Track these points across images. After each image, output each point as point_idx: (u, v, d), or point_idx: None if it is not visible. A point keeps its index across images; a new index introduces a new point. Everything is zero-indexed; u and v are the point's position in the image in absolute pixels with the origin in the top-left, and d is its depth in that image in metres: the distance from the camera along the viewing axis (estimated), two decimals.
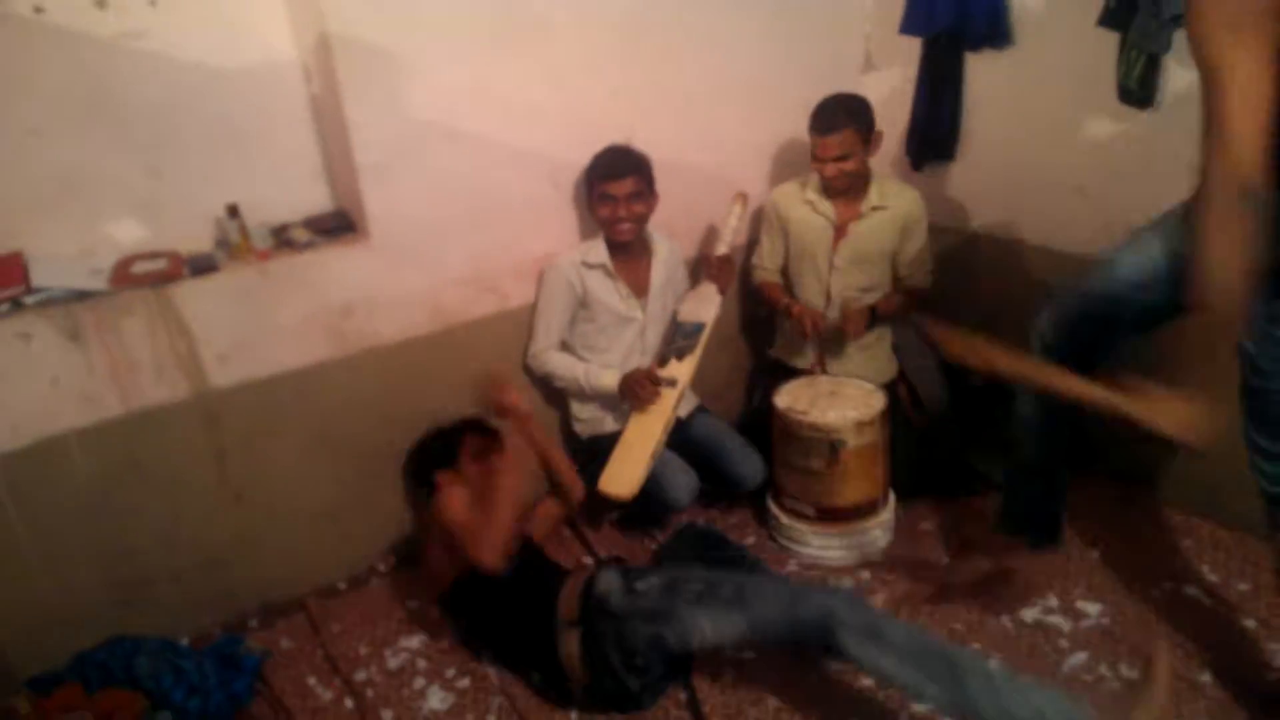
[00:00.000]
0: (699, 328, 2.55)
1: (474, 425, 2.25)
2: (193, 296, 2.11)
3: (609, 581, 2.00)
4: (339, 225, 2.32)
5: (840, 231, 2.61)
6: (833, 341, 2.66)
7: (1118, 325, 1.84)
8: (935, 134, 2.88)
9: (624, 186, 2.41)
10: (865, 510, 2.46)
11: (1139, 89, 2.25)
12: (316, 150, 2.35)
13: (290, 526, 2.42)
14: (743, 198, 2.71)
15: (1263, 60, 1.26)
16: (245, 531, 2.35)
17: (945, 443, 2.75)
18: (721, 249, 2.66)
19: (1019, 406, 2.06)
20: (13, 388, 1.97)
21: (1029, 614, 2.21)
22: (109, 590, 2.21)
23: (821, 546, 2.47)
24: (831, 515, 2.44)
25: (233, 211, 2.18)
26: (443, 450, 2.21)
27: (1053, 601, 2.25)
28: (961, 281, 2.98)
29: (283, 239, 2.26)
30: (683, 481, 2.48)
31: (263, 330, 2.22)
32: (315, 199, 2.38)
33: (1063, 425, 2.03)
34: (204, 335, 2.15)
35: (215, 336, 2.17)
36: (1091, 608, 2.21)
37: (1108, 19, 2.26)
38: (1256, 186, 1.29)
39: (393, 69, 2.18)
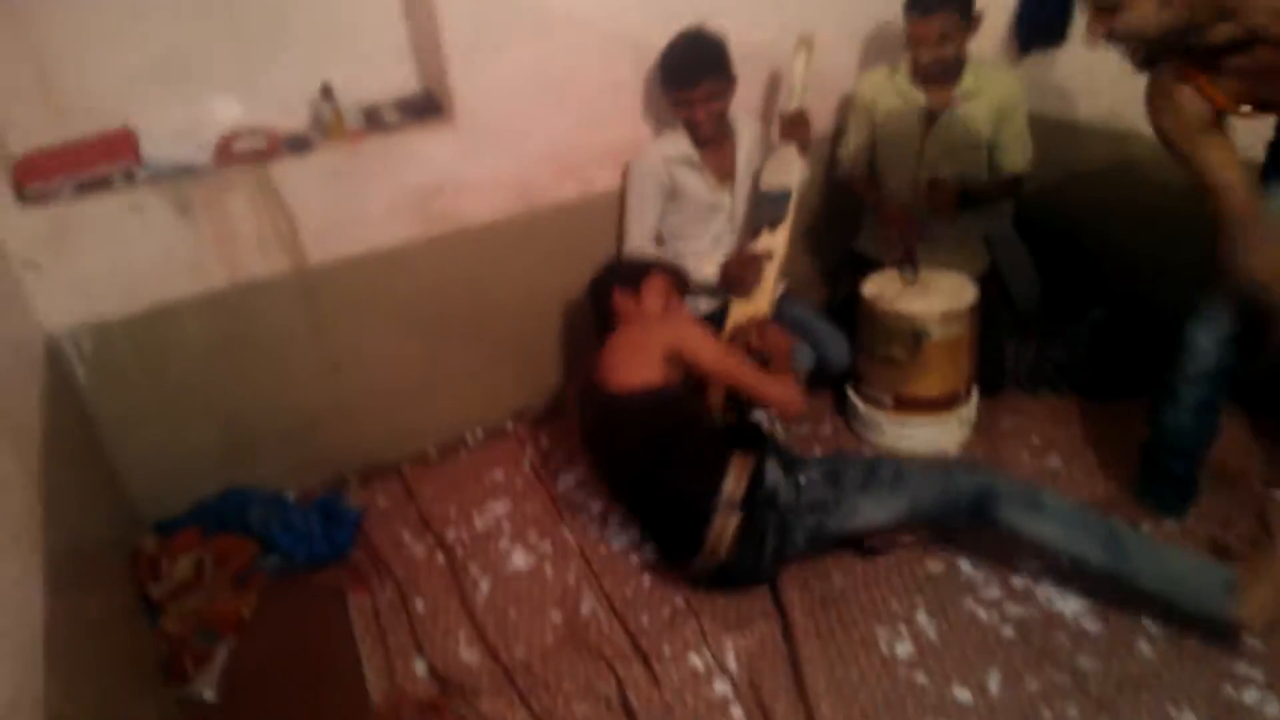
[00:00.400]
0: (786, 194, 2.48)
1: (666, 268, 2.33)
2: (291, 175, 2.21)
3: (775, 474, 1.96)
4: (427, 106, 2.37)
5: (931, 119, 2.51)
6: (921, 227, 2.56)
7: None
8: (1046, 15, 2.70)
9: (699, 91, 2.35)
10: (945, 403, 2.44)
11: None
12: (405, 31, 2.38)
13: (384, 397, 2.56)
14: (807, 42, 2.53)
15: (1225, 145, 1.69)
16: (342, 400, 2.50)
17: (1033, 340, 2.67)
18: (793, 103, 2.54)
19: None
20: (128, 256, 2.12)
21: None
22: (223, 447, 2.40)
23: (897, 436, 2.47)
24: (910, 405, 2.43)
25: (326, 92, 2.25)
26: (630, 275, 2.30)
27: None
28: (1067, 176, 2.84)
29: (373, 119, 2.32)
30: (801, 351, 2.46)
31: (355, 209, 2.31)
32: (403, 80, 2.43)
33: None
34: (301, 213, 2.25)
35: (312, 214, 2.27)
36: None
37: None
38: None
39: None
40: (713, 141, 2.50)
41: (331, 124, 2.26)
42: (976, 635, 1.90)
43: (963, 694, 1.77)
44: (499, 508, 2.44)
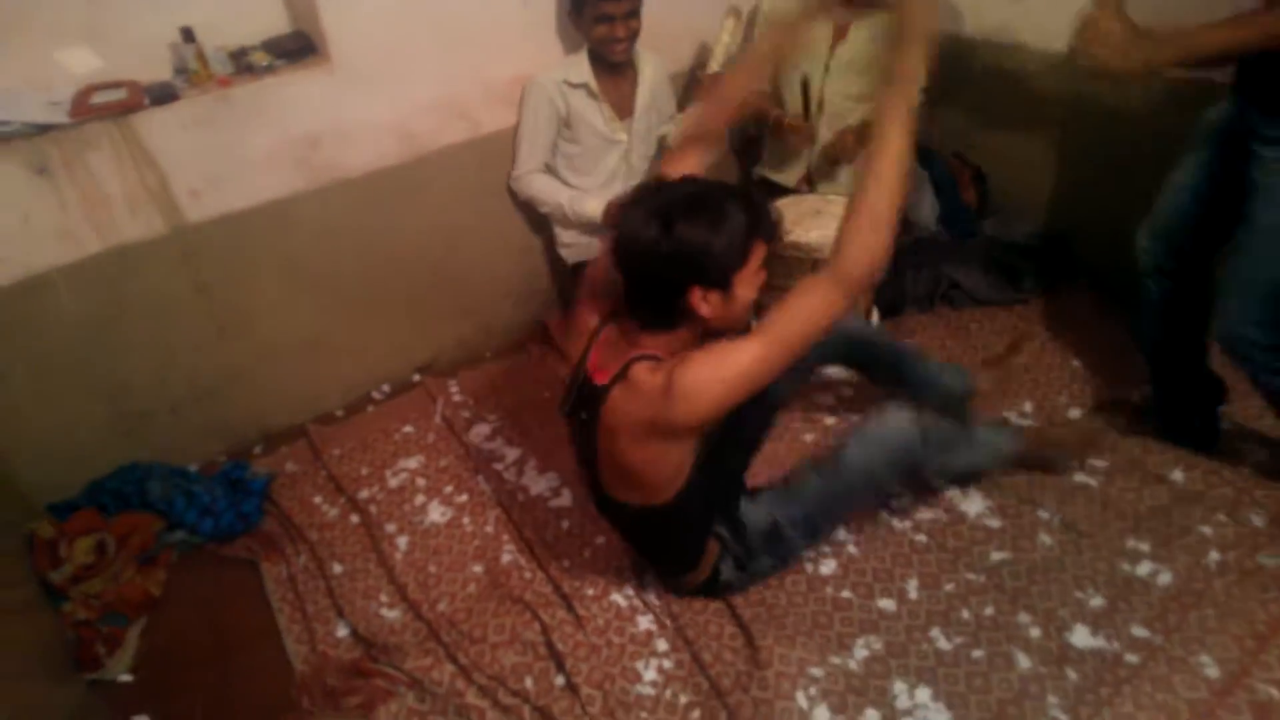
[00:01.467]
0: None
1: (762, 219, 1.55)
2: (157, 127, 2.06)
3: (729, 573, 1.84)
4: (300, 47, 2.23)
5: (840, 33, 2.49)
6: (822, 161, 2.59)
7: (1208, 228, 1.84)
8: None
9: (623, 5, 2.29)
10: None
11: None
12: None
13: (280, 358, 2.47)
14: (736, 13, 2.54)
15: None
16: (235, 363, 2.40)
17: (931, 260, 2.74)
18: (713, 67, 2.53)
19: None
20: None
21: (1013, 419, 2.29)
22: (112, 422, 2.29)
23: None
24: None
25: (187, 35, 2.09)
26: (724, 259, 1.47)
27: (1026, 407, 2.32)
28: (950, 91, 2.88)
29: (242, 64, 2.18)
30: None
31: (231, 162, 2.18)
32: (272, 19, 2.27)
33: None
34: (173, 168, 2.11)
35: (184, 169, 2.13)
36: (1073, 413, 2.28)
37: None
38: None
39: None
40: (616, 70, 2.44)
41: (197, 70, 2.11)
42: (894, 545, 1.98)
43: (886, 603, 1.85)
44: (411, 463, 2.41)
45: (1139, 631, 1.72)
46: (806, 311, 1.41)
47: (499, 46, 2.43)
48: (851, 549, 1.98)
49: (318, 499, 2.33)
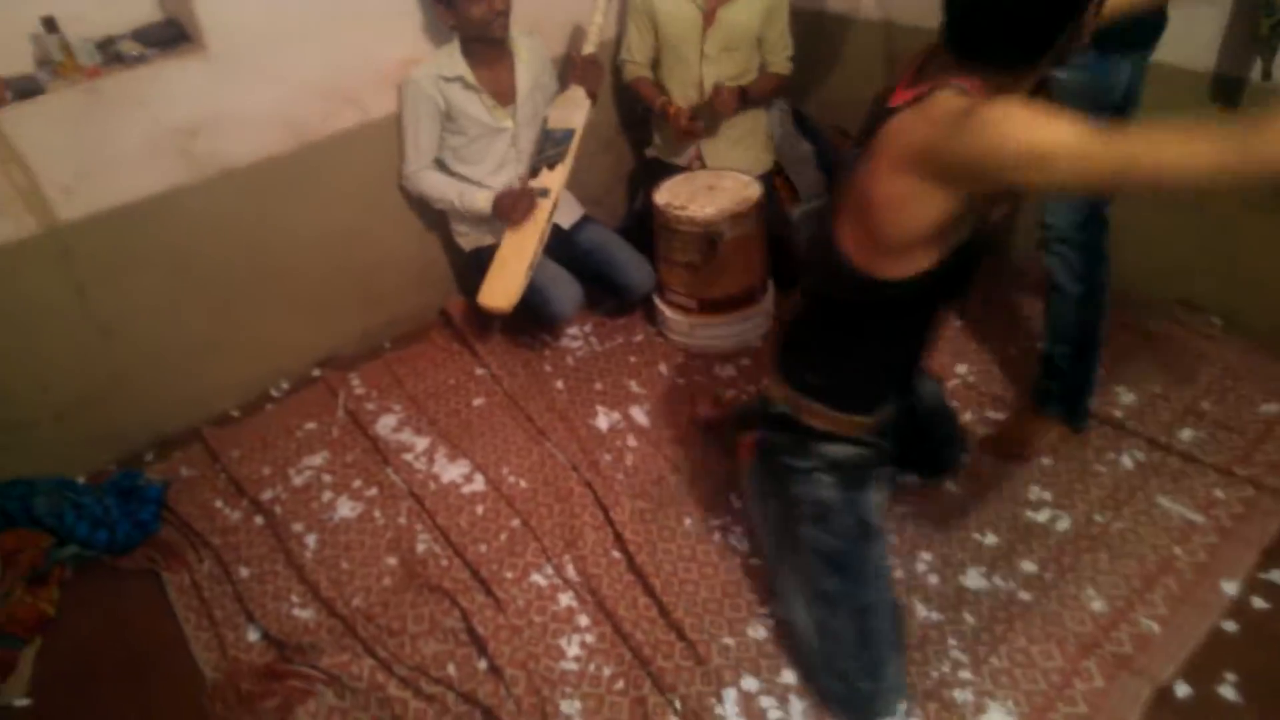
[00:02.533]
0: (569, 134, 2.49)
1: None
2: (21, 122, 1.95)
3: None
4: (173, 36, 2.14)
5: (709, 19, 2.54)
6: (709, 130, 2.64)
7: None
8: None
9: None
10: (745, 299, 2.55)
11: None
12: None
13: (169, 359, 2.38)
14: None
15: None
16: (120, 367, 2.30)
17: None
18: (588, 48, 2.57)
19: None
20: None
21: None
22: None
23: (706, 337, 2.57)
24: (713, 306, 2.52)
25: (50, 25, 1.98)
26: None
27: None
28: (829, 67, 2.99)
29: (111, 54, 2.07)
30: (566, 293, 2.50)
31: (105, 156, 2.08)
32: (141, 7, 2.17)
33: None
34: (41, 165, 2.01)
35: (54, 166, 2.03)
36: (959, 368, 2.40)
37: None
38: None
39: None
40: (489, 58, 2.41)
41: (62, 61, 2.00)
42: None
43: None
44: (316, 460, 2.36)
45: (1030, 568, 1.84)
46: (1181, 145, 1.02)
47: (386, 28, 2.38)
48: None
49: (218, 503, 2.26)
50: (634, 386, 2.49)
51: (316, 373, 2.66)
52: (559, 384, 2.53)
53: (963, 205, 1.21)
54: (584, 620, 1.87)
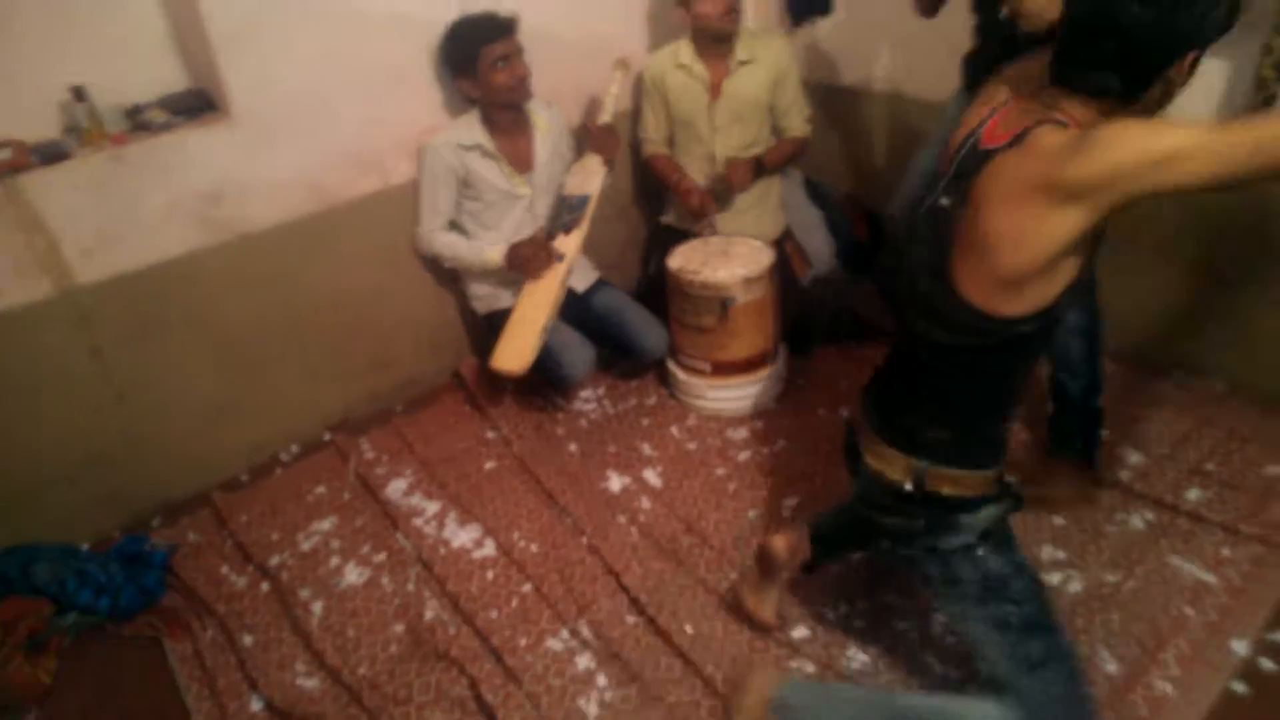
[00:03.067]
0: (584, 200, 2.53)
1: None
2: (45, 187, 1.98)
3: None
4: (199, 104, 2.19)
5: (715, 91, 2.60)
6: (722, 198, 2.68)
7: None
8: None
9: (513, 43, 2.33)
10: (757, 362, 2.54)
11: None
12: (164, 23, 2.18)
13: (181, 422, 2.37)
14: (623, 64, 2.67)
15: None
16: (133, 430, 2.29)
17: (831, 296, 2.85)
18: (604, 118, 2.63)
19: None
20: None
21: None
22: None
23: (717, 399, 2.56)
24: (726, 369, 2.52)
25: (79, 94, 2.03)
26: None
27: None
28: (841, 137, 3.04)
29: (138, 121, 2.12)
30: (579, 356, 2.50)
31: (126, 221, 2.11)
32: (169, 76, 2.23)
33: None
34: (62, 229, 2.03)
35: (75, 230, 2.05)
36: None
37: None
38: None
39: None
40: (509, 126, 2.47)
41: (88, 129, 2.05)
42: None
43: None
44: (324, 525, 2.33)
45: None
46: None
47: (407, 96, 2.44)
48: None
49: (224, 569, 2.22)
50: (647, 449, 2.47)
51: (327, 436, 2.65)
52: (572, 446, 2.51)
53: (1094, 219, 1.19)
54: (602, 680, 1.81)
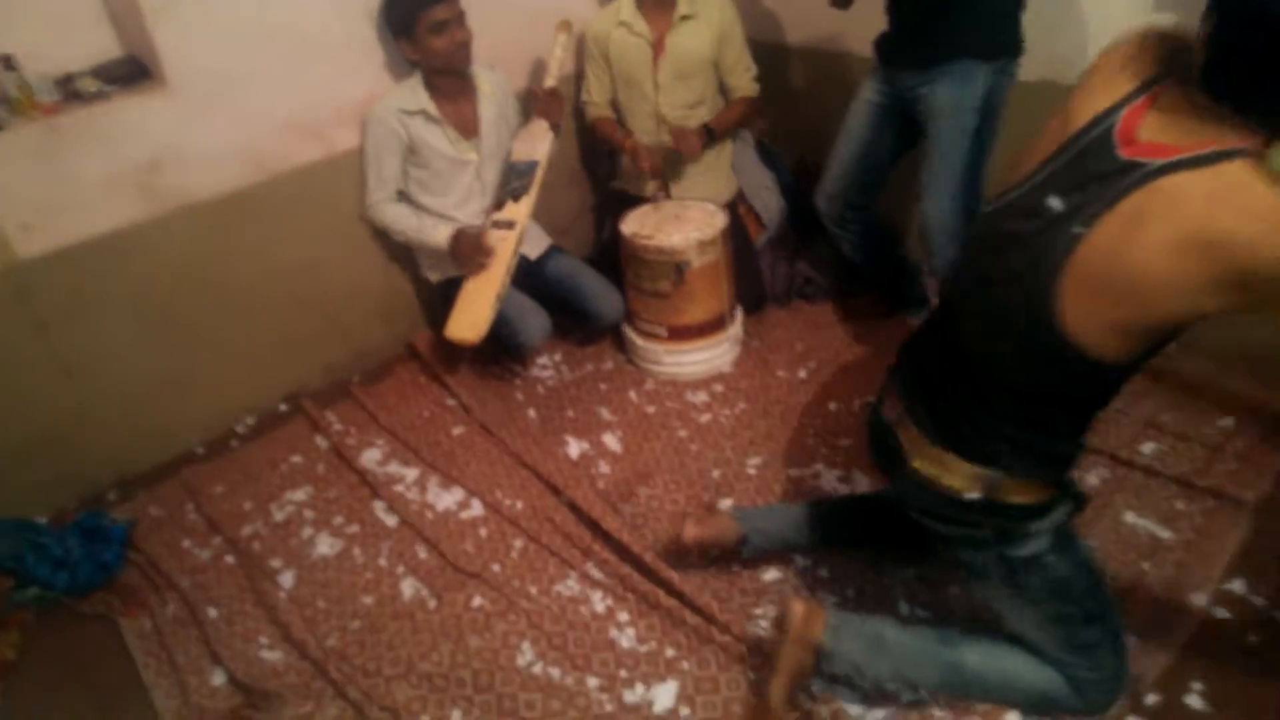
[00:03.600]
0: (532, 166, 2.51)
1: None
2: None
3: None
4: (132, 72, 2.13)
5: (658, 48, 2.59)
6: (673, 165, 2.68)
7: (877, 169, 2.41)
8: None
9: (453, 8, 2.29)
10: (714, 326, 2.57)
11: None
12: None
13: (130, 396, 2.34)
14: (566, 25, 2.63)
15: None
16: (82, 406, 2.26)
17: (784, 256, 2.87)
18: (549, 81, 2.60)
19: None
20: None
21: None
22: None
23: (674, 364, 2.59)
24: (682, 333, 2.54)
25: (7, 63, 1.97)
26: None
27: None
28: (790, 99, 3.03)
29: (70, 91, 2.06)
30: (533, 322, 2.51)
31: (65, 193, 2.06)
32: (101, 44, 2.16)
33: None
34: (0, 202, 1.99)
35: (13, 203, 2.01)
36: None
37: None
38: None
39: None
40: (451, 91, 2.43)
41: (19, 99, 1.99)
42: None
43: None
44: (299, 495, 2.33)
45: None
46: None
47: (347, 64, 2.39)
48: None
49: (186, 542, 2.22)
50: (605, 414, 2.49)
51: (283, 407, 2.63)
52: (531, 413, 2.53)
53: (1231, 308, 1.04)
54: (624, 615, 1.88)
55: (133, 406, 2.35)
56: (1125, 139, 1.08)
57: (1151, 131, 1.08)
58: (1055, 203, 1.12)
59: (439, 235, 2.45)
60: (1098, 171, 1.09)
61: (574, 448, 2.38)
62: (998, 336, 1.22)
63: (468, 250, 2.42)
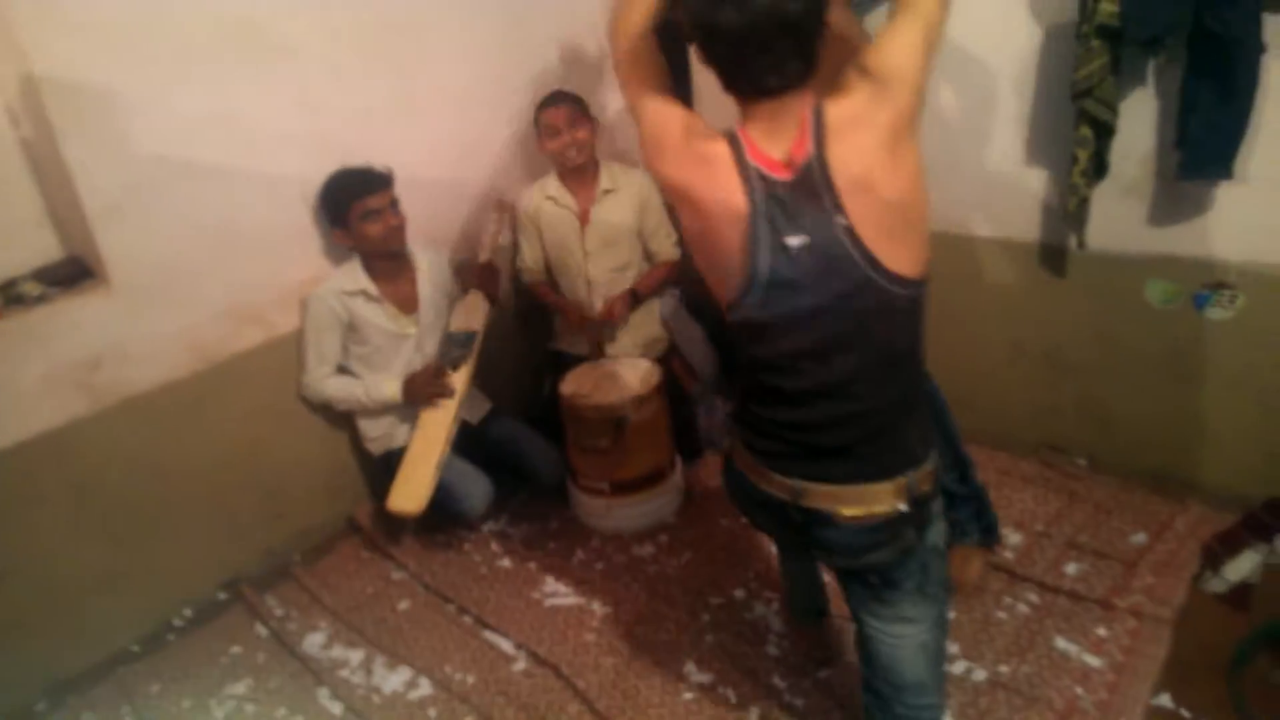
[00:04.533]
0: (471, 336, 2.61)
1: None
2: None
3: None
4: (75, 273, 2.18)
5: (584, 218, 2.78)
6: (604, 327, 2.81)
7: None
8: None
9: (385, 196, 2.43)
10: (656, 478, 2.64)
11: None
12: (37, 196, 2.18)
13: (63, 597, 2.25)
14: (502, 206, 2.81)
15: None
16: (12, 613, 2.16)
17: (716, 403, 3.00)
18: (484, 255, 2.75)
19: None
20: None
21: None
22: None
23: (620, 518, 2.63)
24: (625, 487, 2.60)
25: None
26: None
27: None
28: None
29: (11, 295, 2.09)
30: (476, 490, 2.53)
31: (3, 396, 2.05)
32: (43, 247, 2.21)
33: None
34: None
35: None
36: None
37: None
38: None
39: (114, 105, 2.06)
40: (389, 270, 2.54)
41: None
42: None
43: None
44: (239, 689, 2.23)
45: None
46: None
47: (288, 251, 2.48)
48: None
49: None
50: (551, 583, 2.49)
51: (222, 596, 2.56)
52: (484, 570, 2.54)
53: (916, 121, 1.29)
54: None
55: (64, 607, 2.26)
56: (775, 166, 1.30)
57: (777, 148, 1.31)
58: (795, 240, 1.29)
59: (390, 389, 2.50)
60: (802, 188, 1.28)
61: (553, 600, 2.39)
62: (867, 330, 1.33)
63: (422, 386, 2.48)
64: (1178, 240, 2.24)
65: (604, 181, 2.78)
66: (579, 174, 2.75)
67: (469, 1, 2.72)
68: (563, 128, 2.65)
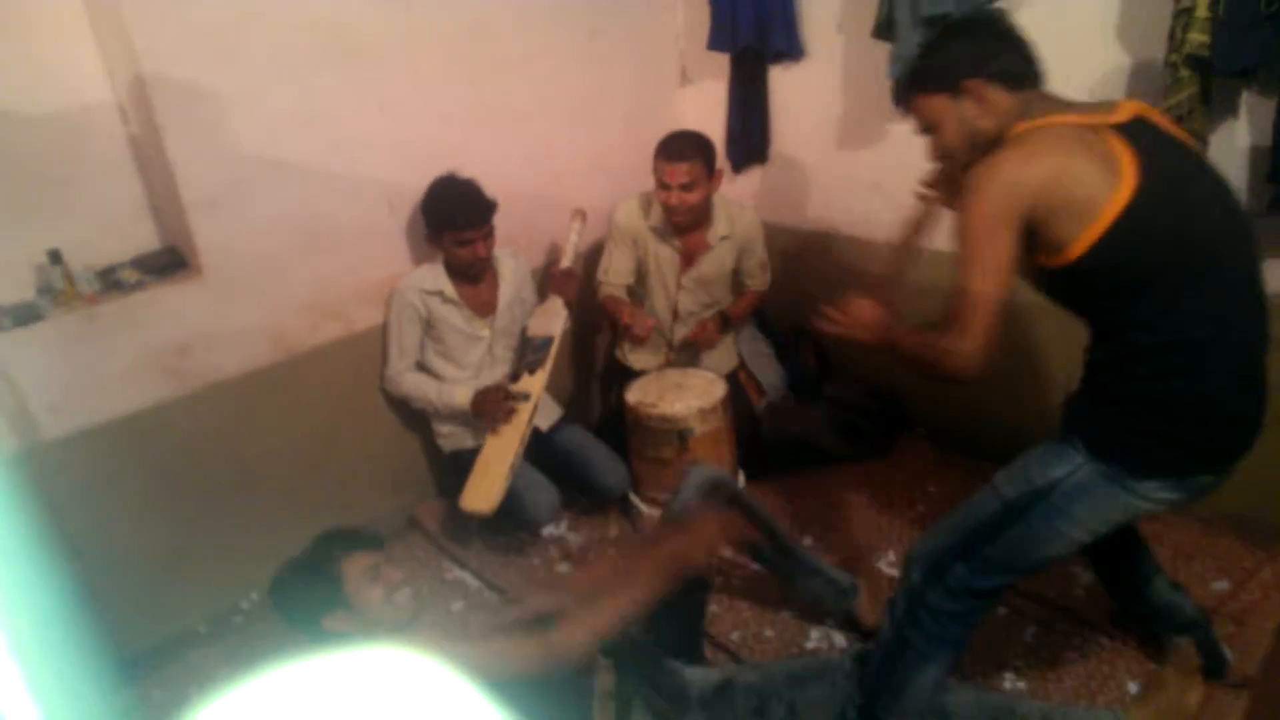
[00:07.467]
0: (548, 341, 2.64)
1: None
2: (16, 348, 2.02)
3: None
4: (170, 262, 2.27)
5: (687, 260, 2.78)
6: (687, 350, 2.83)
7: None
8: (749, 140, 3.10)
9: (480, 231, 2.46)
10: None
11: None
12: (140, 189, 2.29)
13: (135, 576, 2.32)
14: (581, 214, 2.84)
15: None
16: (88, 589, 2.22)
17: (783, 422, 2.97)
18: (564, 263, 2.78)
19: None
20: None
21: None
22: None
23: None
24: None
25: (54, 257, 2.10)
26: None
27: (891, 556, 2.50)
28: (784, 272, 3.23)
29: (111, 281, 2.19)
30: (543, 499, 2.56)
31: (96, 376, 2.15)
32: (143, 237, 2.31)
33: None
34: (33, 387, 2.06)
35: (46, 387, 2.08)
36: None
37: (879, 31, 2.51)
38: None
39: (214, 104, 2.16)
40: (474, 276, 2.58)
41: (62, 290, 2.11)
42: None
43: None
44: None
45: None
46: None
47: (368, 250, 2.55)
48: None
49: None
50: None
51: None
52: (543, 574, 2.55)
53: None
54: None
55: (136, 586, 2.33)
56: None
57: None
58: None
59: (459, 396, 2.54)
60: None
61: None
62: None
63: (490, 405, 2.50)
64: (1271, 277, 2.15)
65: (720, 228, 2.75)
66: (689, 226, 2.72)
67: (548, 11, 2.77)
68: (674, 187, 2.58)
